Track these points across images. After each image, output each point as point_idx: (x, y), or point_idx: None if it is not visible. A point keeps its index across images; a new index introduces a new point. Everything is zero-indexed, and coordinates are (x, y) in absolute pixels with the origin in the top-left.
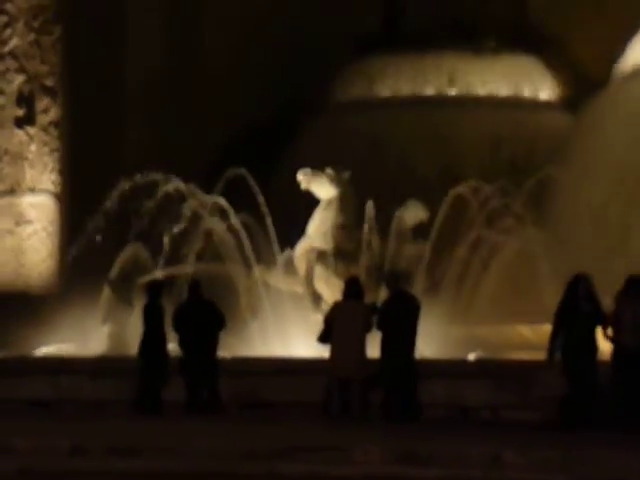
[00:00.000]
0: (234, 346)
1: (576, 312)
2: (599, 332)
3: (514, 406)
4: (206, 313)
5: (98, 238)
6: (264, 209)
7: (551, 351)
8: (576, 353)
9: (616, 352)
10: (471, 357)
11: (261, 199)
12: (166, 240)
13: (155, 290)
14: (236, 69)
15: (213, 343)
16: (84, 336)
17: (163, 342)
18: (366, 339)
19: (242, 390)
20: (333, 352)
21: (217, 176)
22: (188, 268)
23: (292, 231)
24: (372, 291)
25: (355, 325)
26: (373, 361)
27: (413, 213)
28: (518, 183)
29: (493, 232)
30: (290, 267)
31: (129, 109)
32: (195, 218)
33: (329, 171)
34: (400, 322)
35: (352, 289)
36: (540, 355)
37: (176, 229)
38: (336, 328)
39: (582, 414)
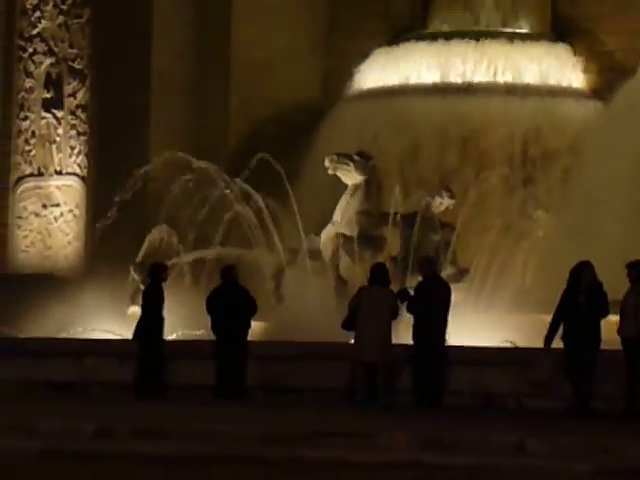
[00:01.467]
0: (259, 331)
1: (575, 300)
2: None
3: (538, 394)
4: (238, 298)
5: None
6: (290, 194)
7: (547, 340)
8: (574, 344)
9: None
10: (498, 344)
11: (287, 184)
12: (193, 223)
13: (157, 273)
14: (264, 54)
15: (244, 329)
16: (110, 318)
17: (160, 325)
18: (391, 325)
19: (268, 375)
20: (358, 337)
21: (243, 161)
22: (214, 252)
23: (318, 217)
24: (397, 278)
25: (380, 311)
26: (399, 346)
27: (439, 200)
28: (546, 171)
29: (520, 220)
30: (316, 253)
31: (156, 92)
32: (221, 202)
33: (356, 157)
34: (433, 307)
35: (377, 275)
36: None
37: (202, 213)
38: (361, 314)
39: (578, 404)
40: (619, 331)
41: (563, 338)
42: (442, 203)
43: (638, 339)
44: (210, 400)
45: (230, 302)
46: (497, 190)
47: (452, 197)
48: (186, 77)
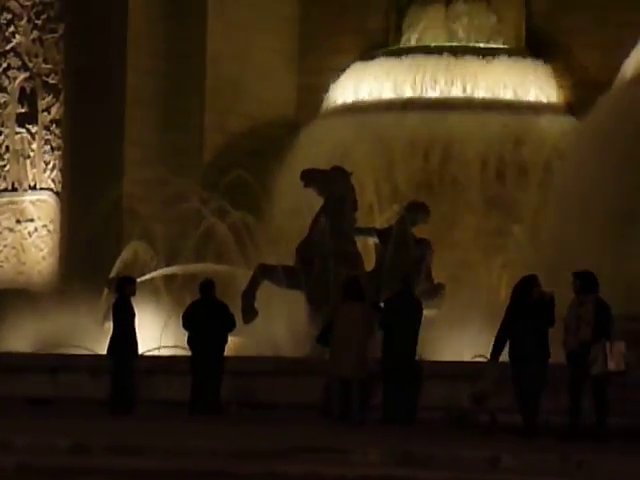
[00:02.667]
0: (234, 345)
1: (523, 316)
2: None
3: (512, 409)
4: (217, 314)
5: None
6: (266, 210)
7: (492, 356)
8: (519, 359)
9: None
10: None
11: (263, 201)
12: (169, 238)
13: (125, 286)
14: (239, 69)
15: (221, 344)
16: (85, 334)
17: (132, 339)
18: (366, 340)
19: (242, 390)
20: (333, 353)
21: (219, 176)
22: (189, 268)
23: (294, 232)
24: (372, 293)
25: (355, 326)
26: (374, 361)
27: (414, 215)
28: (522, 187)
29: (495, 235)
30: (291, 268)
31: (130, 108)
32: (196, 217)
33: (330, 172)
34: (402, 322)
35: (352, 290)
36: None
37: (177, 228)
38: (336, 329)
39: (526, 422)
40: (563, 344)
41: (510, 355)
42: (417, 218)
43: (581, 352)
44: (185, 416)
45: (208, 317)
46: (472, 205)
47: (427, 213)
48: (161, 92)
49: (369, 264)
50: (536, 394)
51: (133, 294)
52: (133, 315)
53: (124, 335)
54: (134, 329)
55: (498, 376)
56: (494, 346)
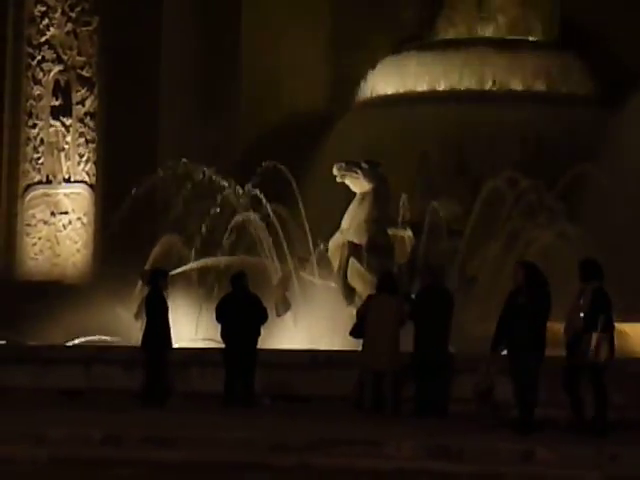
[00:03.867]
0: (267, 338)
1: (514, 306)
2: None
3: (545, 403)
4: (249, 306)
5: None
6: (299, 202)
7: (493, 347)
8: (515, 350)
9: None
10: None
11: (296, 192)
12: (201, 231)
13: (158, 279)
14: (274, 61)
15: (254, 337)
16: (118, 326)
17: (166, 331)
18: (399, 333)
19: (275, 382)
20: (366, 345)
21: (252, 168)
22: (222, 260)
23: (327, 225)
24: (405, 286)
25: (388, 319)
26: (406, 354)
27: (447, 208)
28: (554, 178)
29: (528, 227)
30: (324, 261)
31: (164, 100)
32: (229, 210)
33: (364, 165)
34: (433, 315)
35: (385, 283)
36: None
37: (210, 221)
38: (369, 322)
39: (522, 416)
40: (563, 334)
41: (506, 344)
42: (450, 211)
43: (574, 342)
44: (219, 408)
45: (241, 310)
46: (505, 197)
47: (460, 204)
48: (196, 85)
49: (403, 257)
50: (531, 386)
51: (166, 287)
52: (166, 308)
53: (157, 328)
54: (167, 322)
55: (496, 369)
56: (494, 335)
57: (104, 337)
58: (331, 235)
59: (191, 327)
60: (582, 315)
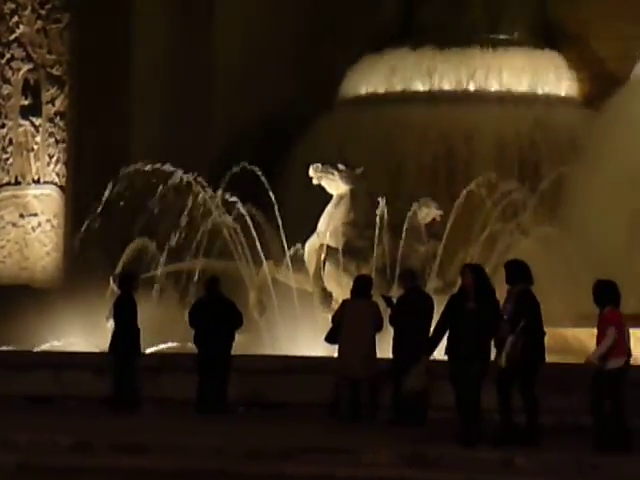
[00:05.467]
0: (241, 344)
1: (461, 311)
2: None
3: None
4: (224, 311)
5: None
6: (274, 204)
7: (429, 350)
8: (459, 357)
9: None
10: None
11: (271, 194)
12: (173, 235)
13: (127, 283)
14: (246, 63)
15: (228, 342)
16: (88, 331)
17: (136, 337)
18: (375, 338)
19: (249, 389)
20: (341, 351)
21: (225, 171)
22: (195, 263)
23: (302, 227)
24: (383, 290)
25: (364, 324)
26: (383, 360)
27: (426, 210)
28: (535, 181)
29: (508, 230)
30: (299, 264)
31: (135, 100)
32: (202, 212)
33: (341, 167)
34: (413, 320)
35: (361, 287)
36: (555, 359)
37: (183, 223)
38: (344, 327)
39: (464, 425)
40: None
41: (447, 351)
42: (429, 213)
43: (498, 347)
44: (191, 414)
45: (215, 315)
46: (485, 201)
47: (439, 207)
48: (167, 85)
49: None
50: (474, 395)
51: (136, 290)
52: (135, 312)
53: (125, 332)
54: (136, 326)
55: (425, 370)
56: (430, 339)
57: (74, 342)
58: (307, 238)
59: (162, 332)
60: (505, 318)
